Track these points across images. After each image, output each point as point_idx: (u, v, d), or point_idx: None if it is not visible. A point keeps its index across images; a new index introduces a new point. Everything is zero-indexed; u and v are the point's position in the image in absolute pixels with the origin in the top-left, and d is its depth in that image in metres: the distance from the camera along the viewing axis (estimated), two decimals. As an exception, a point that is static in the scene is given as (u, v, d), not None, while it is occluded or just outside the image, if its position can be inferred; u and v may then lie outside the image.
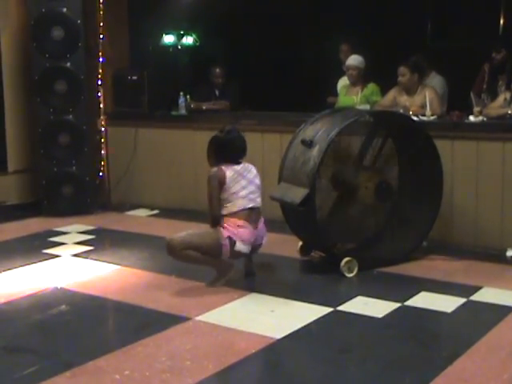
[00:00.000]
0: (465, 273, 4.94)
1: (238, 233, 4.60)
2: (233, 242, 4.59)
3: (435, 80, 7.00)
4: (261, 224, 4.78)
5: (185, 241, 4.59)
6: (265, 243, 4.83)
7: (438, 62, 7.01)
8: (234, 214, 4.62)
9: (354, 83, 6.69)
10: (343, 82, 7.04)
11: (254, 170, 4.82)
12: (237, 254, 4.67)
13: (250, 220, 4.65)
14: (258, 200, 4.76)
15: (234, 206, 4.63)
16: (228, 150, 4.74)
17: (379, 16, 8.05)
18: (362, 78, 6.66)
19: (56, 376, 3.43)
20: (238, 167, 4.72)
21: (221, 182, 4.63)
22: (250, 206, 4.67)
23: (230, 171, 4.66)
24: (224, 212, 4.66)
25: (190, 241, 4.59)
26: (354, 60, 6.66)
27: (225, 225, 4.62)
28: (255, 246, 4.76)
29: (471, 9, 7.92)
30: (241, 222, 4.61)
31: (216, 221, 4.67)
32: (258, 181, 4.80)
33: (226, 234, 4.60)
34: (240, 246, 4.61)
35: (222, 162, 4.71)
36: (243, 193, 4.66)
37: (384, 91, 6.47)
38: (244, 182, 4.68)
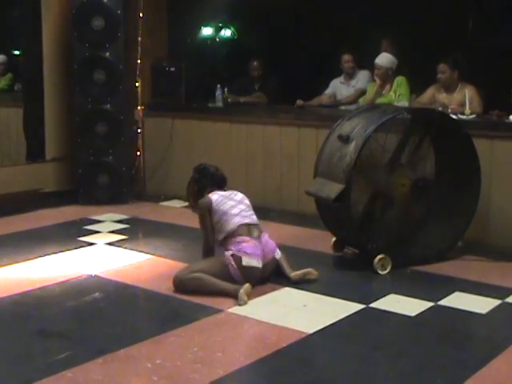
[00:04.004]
0: (500, 274, 4.87)
1: (240, 248, 4.43)
2: (238, 259, 4.40)
3: (360, 75, 7.02)
4: (265, 238, 4.63)
5: (191, 267, 4.51)
6: (279, 258, 4.66)
7: (479, 60, 6.90)
8: (232, 233, 4.50)
9: (383, 81, 6.59)
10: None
11: (240, 194, 4.76)
12: (248, 273, 4.42)
13: (250, 235, 4.52)
14: (254, 217, 4.64)
15: (228, 225, 4.52)
16: (207, 183, 4.76)
17: (420, 11, 7.96)
18: (391, 77, 6.57)
19: (88, 362, 3.47)
20: (222, 192, 4.71)
21: (208, 209, 4.59)
22: (246, 221, 4.55)
23: (215, 195, 4.64)
24: (221, 235, 4.55)
25: (197, 267, 4.47)
26: (379, 59, 6.55)
27: (227, 246, 4.50)
28: (267, 263, 4.55)
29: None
30: (241, 238, 4.47)
31: (209, 252, 4.66)
32: (247, 201, 4.73)
33: (229, 253, 4.45)
34: (247, 260, 4.40)
35: (204, 195, 4.71)
36: (234, 211, 4.56)
37: (422, 89, 6.40)
38: (232, 203, 4.62)
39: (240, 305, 4.21)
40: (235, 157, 6.96)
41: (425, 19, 7.76)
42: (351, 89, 7.07)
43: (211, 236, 4.63)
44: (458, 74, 6.05)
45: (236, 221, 4.53)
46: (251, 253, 4.44)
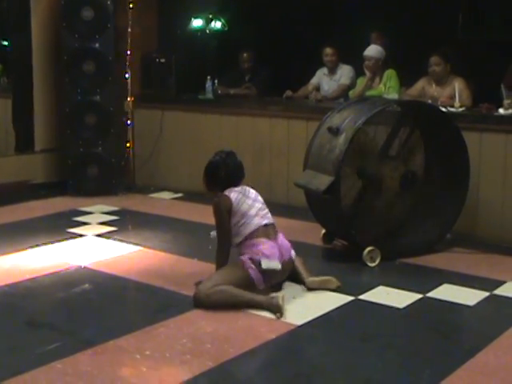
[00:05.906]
0: (489, 266, 4.90)
1: (257, 251, 4.16)
2: (257, 263, 4.14)
3: (343, 70, 7.01)
4: (281, 237, 4.36)
5: (212, 280, 4.13)
6: (294, 257, 4.42)
7: (468, 54, 6.92)
8: (249, 236, 4.22)
9: (373, 73, 6.60)
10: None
11: (252, 190, 4.44)
12: (269, 276, 4.18)
13: (267, 237, 4.25)
14: (269, 216, 4.37)
15: (248, 227, 4.24)
16: (223, 174, 4.39)
17: (409, 5, 7.97)
18: (380, 68, 6.59)
19: (78, 353, 3.47)
20: (237, 188, 4.37)
21: (228, 208, 4.25)
22: (265, 222, 4.29)
23: (233, 193, 4.31)
24: (239, 239, 4.26)
25: (218, 279, 4.12)
26: (369, 50, 6.57)
27: (242, 251, 4.24)
28: (284, 263, 4.27)
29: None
30: (258, 240, 4.20)
31: (223, 253, 4.32)
32: (260, 198, 4.43)
33: (245, 257, 4.18)
34: (267, 263, 4.12)
35: (217, 187, 4.39)
36: (252, 211, 4.28)
37: (411, 82, 6.41)
38: (249, 201, 4.32)
39: (278, 317, 3.93)
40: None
41: (414, 13, 7.76)
42: (333, 83, 7.05)
43: (229, 238, 4.30)
44: (450, 67, 6.07)
45: (255, 222, 4.26)
46: (270, 254, 4.17)
